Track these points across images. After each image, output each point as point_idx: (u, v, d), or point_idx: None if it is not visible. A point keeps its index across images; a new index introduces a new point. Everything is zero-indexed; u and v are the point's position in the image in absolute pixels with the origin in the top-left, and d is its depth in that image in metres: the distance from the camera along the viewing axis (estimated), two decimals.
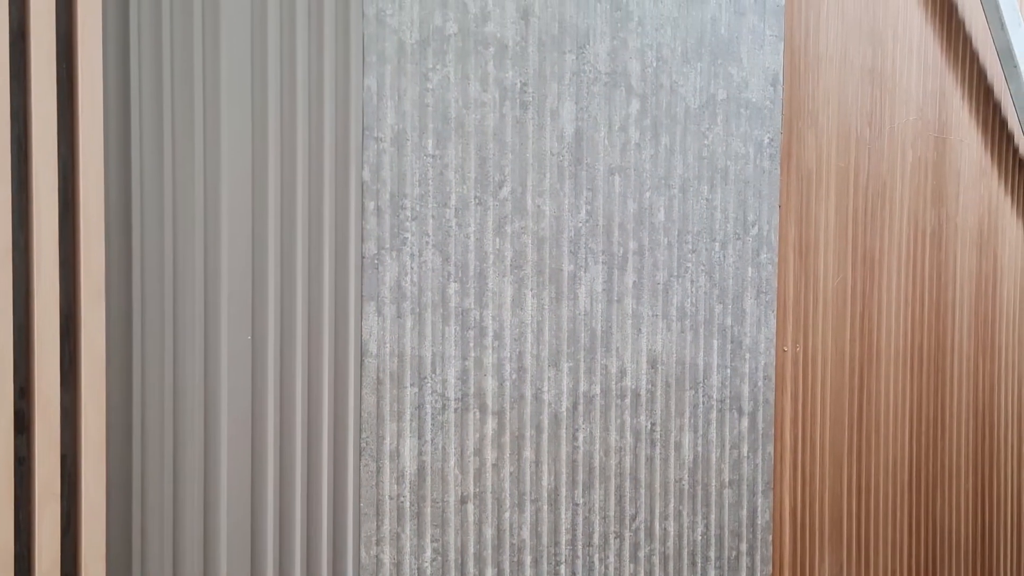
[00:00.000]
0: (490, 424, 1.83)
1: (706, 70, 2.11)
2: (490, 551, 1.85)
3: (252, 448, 1.56)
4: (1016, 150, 2.92)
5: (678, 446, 2.12)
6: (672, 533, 2.13)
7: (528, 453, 1.89)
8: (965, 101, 2.75)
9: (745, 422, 2.23)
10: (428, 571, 1.77)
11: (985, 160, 2.83)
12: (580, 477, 1.97)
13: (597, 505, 2.00)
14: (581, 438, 1.96)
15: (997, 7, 2.65)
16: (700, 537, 2.18)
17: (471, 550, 1.82)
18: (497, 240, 1.82)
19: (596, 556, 2.00)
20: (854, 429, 2.50)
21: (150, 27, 1.45)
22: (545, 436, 1.91)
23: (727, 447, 2.21)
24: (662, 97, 2.05)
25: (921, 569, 2.72)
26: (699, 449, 2.16)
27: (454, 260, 1.77)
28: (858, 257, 2.48)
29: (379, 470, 1.70)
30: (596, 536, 2.00)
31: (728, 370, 2.19)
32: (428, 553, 1.77)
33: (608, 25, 1.96)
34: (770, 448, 2.29)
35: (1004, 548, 3.00)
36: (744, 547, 2.26)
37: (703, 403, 2.15)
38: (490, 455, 1.84)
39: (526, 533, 1.90)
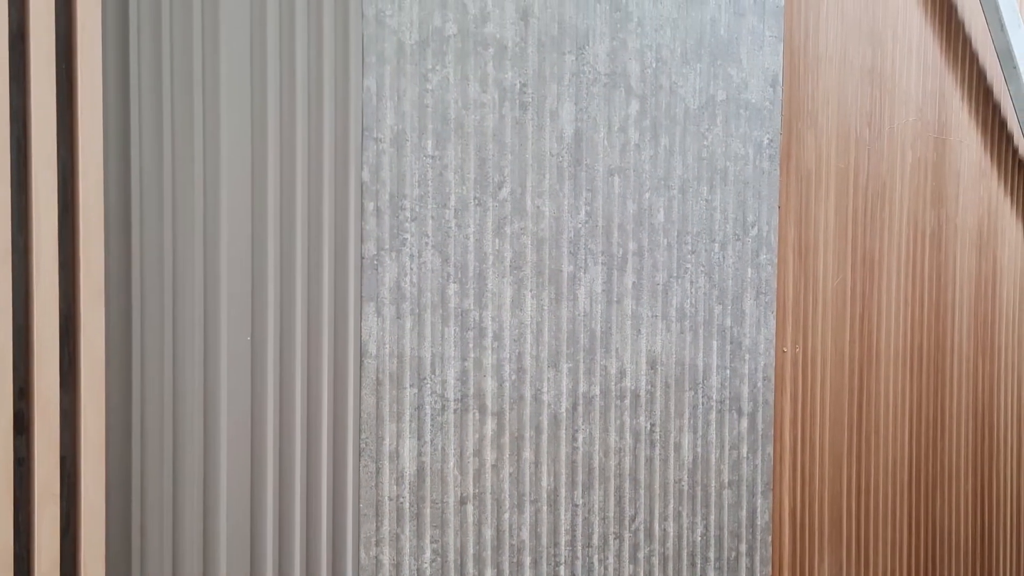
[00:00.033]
0: (489, 425, 1.83)
1: (705, 71, 2.12)
2: (489, 552, 1.85)
3: (252, 449, 1.56)
4: (1016, 151, 2.92)
5: (677, 447, 2.12)
6: (672, 534, 2.13)
7: (528, 454, 1.89)
8: (965, 102, 2.75)
9: (745, 423, 2.23)
10: (428, 572, 1.77)
11: (985, 161, 2.83)
12: (580, 478, 1.97)
13: (597, 506, 2.00)
14: (580, 439, 1.96)
15: (997, 8, 2.65)
16: (700, 538, 2.18)
17: (470, 551, 1.82)
18: (496, 241, 1.82)
19: (596, 557, 2.00)
20: (854, 430, 2.50)
21: (149, 28, 1.45)
22: (545, 437, 1.91)
23: (727, 448, 2.21)
24: (661, 98, 2.05)
25: (921, 570, 2.72)
26: (699, 450, 2.16)
27: (453, 261, 1.77)
28: (858, 258, 2.48)
29: (378, 471, 1.70)
30: (596, 537, 2.00)
31: (728, 371, 2.19)
32: (427, 554, 1.77)
33: (608, 26, 1.96)
34: (770, 449, 2.29)
35: (1004, 549, 3.00)
36: (744, 548, 2.26)
37: (703, 404, 2.16)
38: (489, 456, 1.84)
39: (525, 534, 1.90)
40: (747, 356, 2.23)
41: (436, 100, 1.73)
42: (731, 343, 2.19)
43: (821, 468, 2.43)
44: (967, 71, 2.76)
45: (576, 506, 1.97)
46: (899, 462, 2.63)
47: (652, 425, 2.07)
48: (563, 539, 1.95)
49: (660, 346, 2.07)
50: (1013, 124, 2.89)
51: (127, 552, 1.47)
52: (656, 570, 2.11)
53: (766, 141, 2.23)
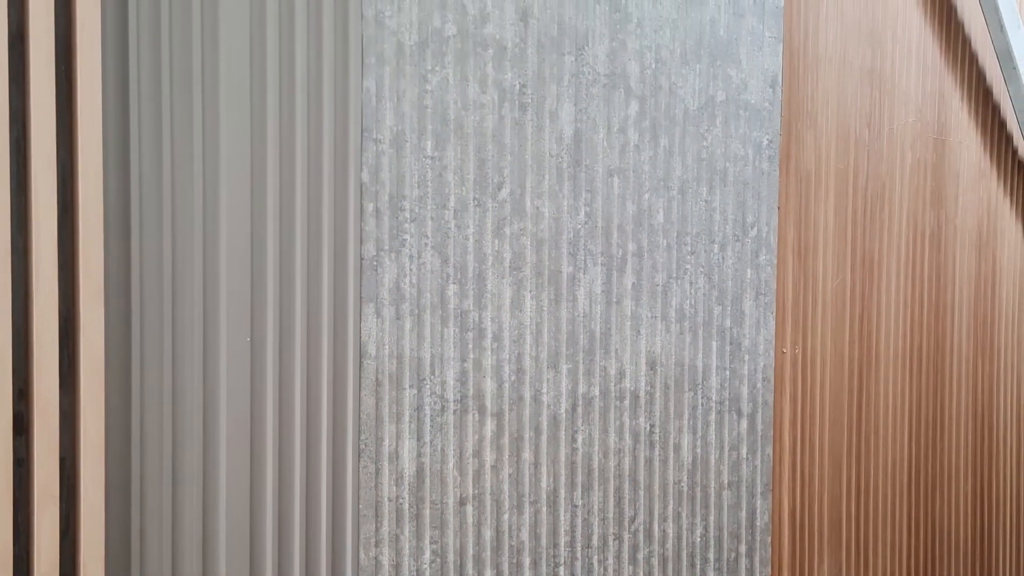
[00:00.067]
0: (489, 426, 1.83)
1: (705, 72, 2.12)
2: (489, 553, 1.85)
3: (251, 450, 1.56)
4: (1015, 152, 2.92)
5: (677, 448, 2.12)
6: (671, 535, 2.13)
7: (527, 455, 1.89)
8: (964, 103, 2.75)
9: (744, 424, 2.23)
10: (427, 573, 1.77)
11: (984, 162, 2.83)
12: (579, 479, 1.97)
13: (596, 507, 2.00)
14: (580, 440, 1.96)
15: (996, 9, 2.65)
16: (699, 539, 2.18)
17: (470, 552, 1.82)
18: (496, 242, 1.82)
19: (595, 558, 2.00)
20: (853, 431, 2.50)
21: (149, 29, 1.45)
22: (544, 438, 1.91)
23: (726, 449, 2.21)
24: (661, 99, 2.05)
25: (920, 570, 2.72)
26: (698, 451, 2.16)
27: (453, 262, 1.77)
28: (857, 259, 2.48)
29: (378, 472, 1.70)
30: (595, 538, 2.00)
31: (727, 372, 2.19)
32: (427, 555, 1.77)
33: (607, 27, 1.96)
34: (769, 450, 2.29)
35: (1003, 549, 3.00)
36: (743, 549, 2.26)
37: (702, 405, 2.16)
38: (489, 457, 1.84)
39: (525, 535, 1.90)
40: (747, 357, 2.23)
41: (436, 101, 1.74)
42: (731, 344, 2.19)
43: (821, 469, 2.43)
44: (967, 72, 2.76)
45: (575, 507, 1.97)
46: (899, 463, 2.63)
47: (652, 426, 2.07)
48: (562, 540, 1.95)
49: (660, 347, 2.07)
50: (1013, 125, 2.89)
51: (126, 553, 1.47)
52: (656, 571, 2.11)
53: (765, 142, 2.23)
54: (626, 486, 2.04)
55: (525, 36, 1.84)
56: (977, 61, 2.78)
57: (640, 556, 2.08)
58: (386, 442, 1.71)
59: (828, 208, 2.40)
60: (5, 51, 1.31)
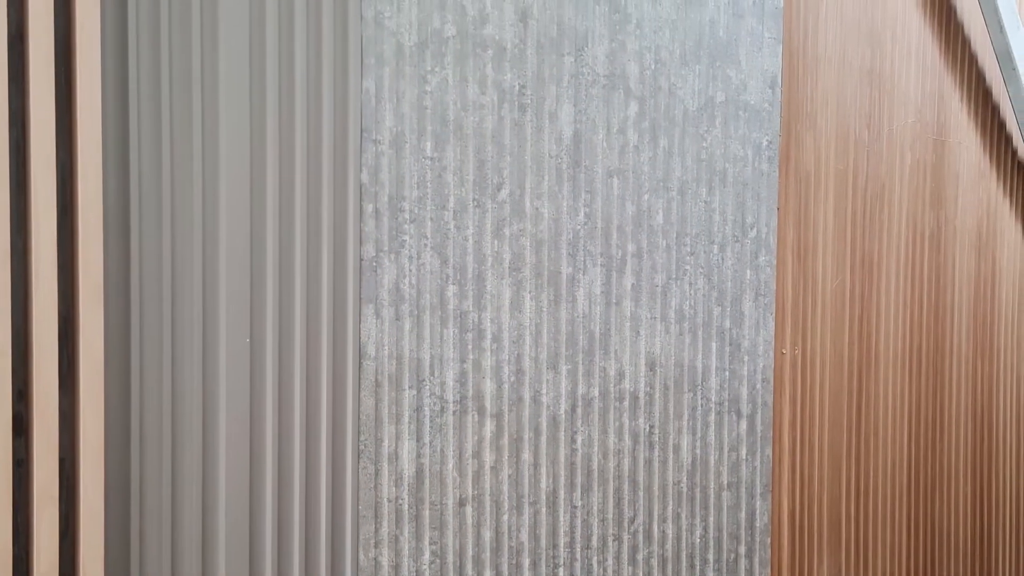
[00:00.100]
0: (488, 426, 1.83)
1: (704, 72, 2.12)
2: (488, 554, 1.85)
3: (250, 450, 1.56)
4: (1015, 153, 2.92)
5: (677, 449, 2.12)
6: (671, 536, 2.13)
7: (527, 455, 1.89)
8: (964, 103, 2.75)
9: (744, 425, 2.23)
10: (427, 573, 1.77)
11: (984, 163, 2.83)
12: (579, 479, 1.97)
13: (596, 507, 2.00)
14: (580, 440, 1.96)
15: (996, 10, 2.65)
16: (699, 540, 2.18)
17: (469, 552, 1.82)
18: (495, 242, 1.82)
19: (595, 559, 2.00)
20: (853, 432, 2.50)
21: (148, 30, 1.45)
22: (544, 438, 1.91)
23: (726, 450, 2.21)
24: (660, 99, 2.05)
25: (920, 571, 2.72)
26: (698, 452, 2.16)
27: (452, 262, 1.77)
28: (857, 260, 2.48)
29: (377, 472, 1.70)
30: (595, 539, 2.00)
31: (727, 373, 2.19)
32: (426, 555, 1.77)
33: (607, 27, 1.96)
34: (769, 451, 2.29)
35: (1003, 550, 3.00)
36: (743, 550, 2.26)
37: (702, 406, 2.16)
38: (488, 457, 1.84)
39: (524, 536, 1.90)
40: (746, 358, 2.23)
41: (435, 102, 1.74)
42: (730, 345, 2.19)
43: (820, 470, 2.43)
44: (966, 73, 2.76)
45: (575, 508, 1.97)
46: (898, 464, 2.63)
47: (651, 427, 2.07)
48: (562, 541, 1.95)
49: (659, 348, 2.07)
50: (1012, 126, 2.89)
51: (126, 554, 1.47)
52: (655, 572, 2.11)
53: (765, 143, 2.23)
54: (625, 487, 2.04)
55: (524, 37, 1.84)
56: (977, 62, 2.78)
57: (640, 557, 2.08)
58: (385, 443, 1.71)
59: (828, 209, 2.41)
60: (5, 51, 1.31)
